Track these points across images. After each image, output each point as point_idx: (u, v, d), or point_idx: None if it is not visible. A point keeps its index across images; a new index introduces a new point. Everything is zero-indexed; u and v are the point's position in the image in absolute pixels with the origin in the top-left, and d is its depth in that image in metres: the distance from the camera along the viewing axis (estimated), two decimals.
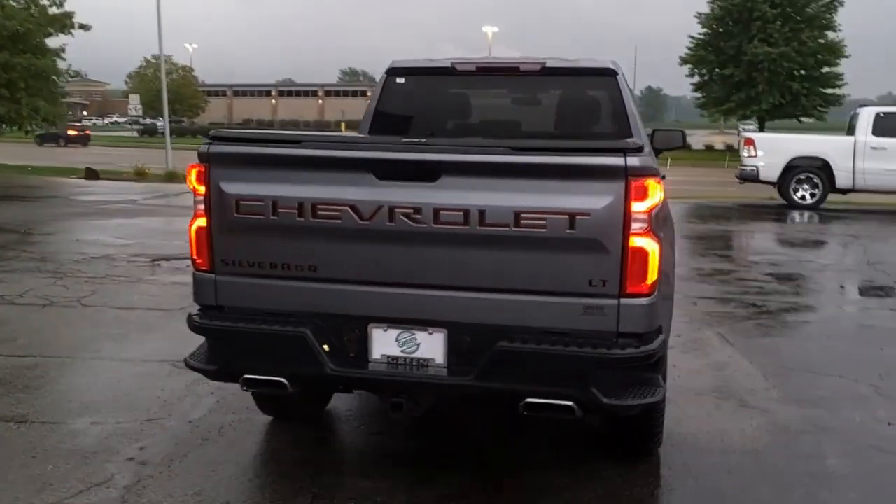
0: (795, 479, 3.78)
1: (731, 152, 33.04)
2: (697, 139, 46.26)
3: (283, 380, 3.30)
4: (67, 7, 21.39)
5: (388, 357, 3.26)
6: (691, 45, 45.72)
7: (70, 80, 24.72)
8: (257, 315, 3.31)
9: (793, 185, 16.12)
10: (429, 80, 5.26)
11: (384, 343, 3.26)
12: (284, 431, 4.31)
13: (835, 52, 43.25)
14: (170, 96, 28.33)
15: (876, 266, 9.72)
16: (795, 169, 16.04)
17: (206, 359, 3.47)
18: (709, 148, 46.10)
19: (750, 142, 16.85)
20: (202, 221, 3.34)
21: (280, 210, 3.20)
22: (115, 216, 13.50)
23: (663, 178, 3.16)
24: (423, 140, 3.50)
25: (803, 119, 46.07)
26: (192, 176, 3.34)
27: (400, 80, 5.22)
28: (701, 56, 44.98)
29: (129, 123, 74.90)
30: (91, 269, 8.51)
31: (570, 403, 3.07)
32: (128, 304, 7.04)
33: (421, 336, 3.23)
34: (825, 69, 43.70)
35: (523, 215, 3.00)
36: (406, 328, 3.23)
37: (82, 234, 11.50)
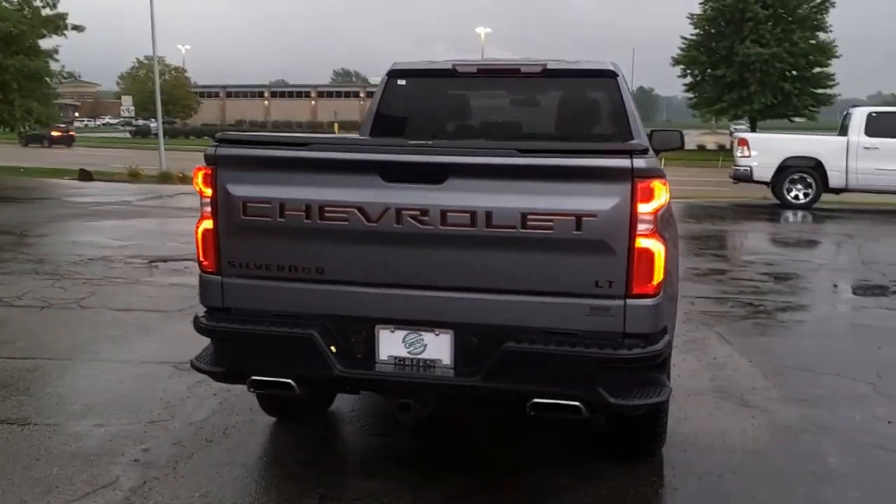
0: (797, 479, 3.80)
1: (724, 152, 33.17)
2: (689, 139, 45.78)
3: (290, 381, 3.31)
4: (60, 8, 21.36)
5: (396, 358, 3.28)
6: (683, 46, 45.86)
7: (63, 81, 24.62)
8: (265, 317, 3.32)
9: (786, 185, 16.21)
10: (430, 82, 5.28)
11: (391, 344, 3.28)
12: (288, 433, 4.32)
13: (826, 52, 43.45)
14: (162, 97, 28.26)
15: (870, 265, 9.79)
16: (789, 169, 16.13)
17: (213, 361, 3.48)
18: (701, 148, 46.23)
19: (744, 142, 16.93)
20: (209, 223, 3.35)
21: (287, 212, 3.21)
22: (110, 217, 13.47)
23: None
24: (430, 142, 3.52)
25: (795, 119, 46.28)
26: (199, 178, 3.35)
27: (401, 81, 5.23)
28: (693, 57, 45.11)
29: (122, 125, 74.74)
30: (88, 271, 8.49)
31: (576, 403, 3.09)
32: (126, 305, 7.04)
33: (428, 337, 3.24)
34: (816, 70, 43.90)
35: (530, 217, 3.02)
36: (413, 329, 3.25)
37: (78, 235, 11.46)
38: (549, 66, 5.05)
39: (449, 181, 3.09)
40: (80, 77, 27.43)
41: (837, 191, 16.25)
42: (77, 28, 21.86)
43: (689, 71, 46.20)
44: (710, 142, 48.90)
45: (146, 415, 4.47)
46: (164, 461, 3.89)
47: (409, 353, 3.27)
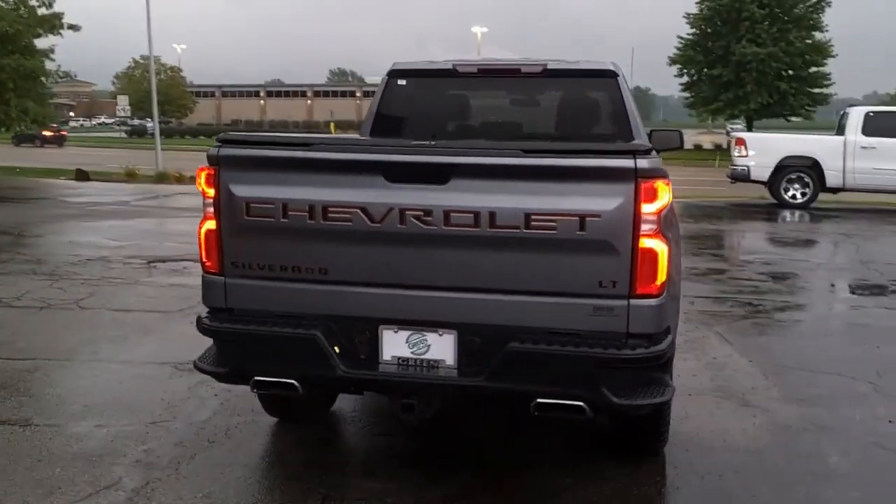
0: (798, 478, 3.81)
1: (721, 152, 33.19)
2: (686, 139, 46.25)
3: (294, 382, 3.31)
4: (55, 8, 21.32)
5: (399, 358, 3.28)
6: (680, 46, 45.89)
7: (60, 80, 24.59)
8: (268, 317, 3.32)
9: (783, 185, 16.22)
10: (430, 82, 5.28)
11: (395, 344, 3.28)
12: (290, 433, 4.32)
13: (822, 52, 43.53)
14: (158, 97, 28.20)
15: (868, 265, 9.81)
16: (786, 168, 16.14)
17: (216, 361, 3.48)
18: (697, 147, 46.26)
19: (741, 142, 16.94)
20: (211, 224, 3.35)
21: (290, 212, 3.21)
22: (107, 218, 13.44)
23: None
24: (434, 143, 3.52)
25: (791, 118, 46.37)
26: (202, 179, 3.35)
27: (401, 81, 5.24)
28: (690, 56, 45.15)
29: (117, 124, 74.56)
30: (87, 271, 8.48)
31: (580, 404, 3.09)
32: (125, 306, 7.03)
33: (431, 337, 3.25)
34: (812, 69, 43.97)
35: (534, 217, 3.02)
36: (416, 330, 3.25)
37: (76, 235, 11.43)
38: (549, 66, 5.05)
39: (452, 181, 3.09)
40: (76, 76, 27.30)
41: (834, 190, 16.27)
42: (73, 27, 21.85)
43: (685, 70, 46.24)
44: (707, 141, 48.90)
45: (147, 415, 4.47)
46: (167, 462, 3.89)
47: (412, 353, 3.27)
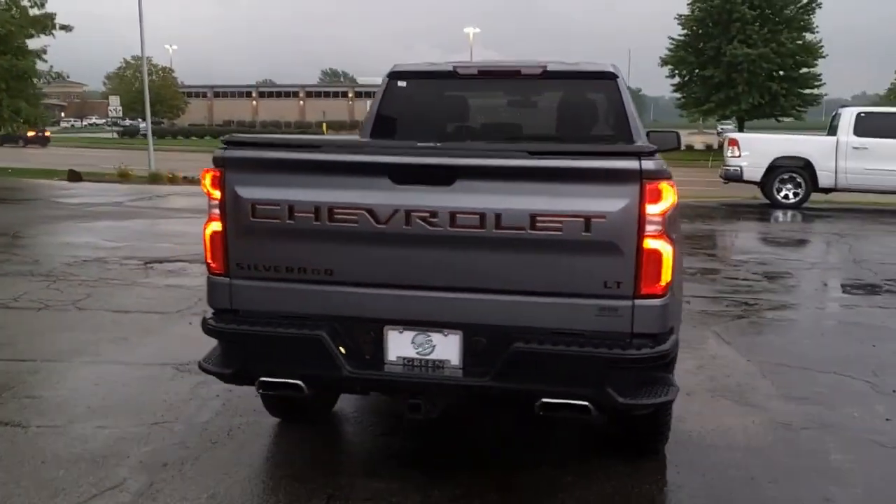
0: (801, 475, 3.85)
1: (713, 152, 33.31)
2: None
3: (299, 382, 3.32)
4: (47, 8, 21.24)
5: (404, 359, 3.30)
6: (671, 47, 46.04)
7: (52, 80, 24.50)
8: (273, 318, 3.33)
9: (776, 185, 16.32)
10: (430, 84, 5.30)
11: (400, 345, 3.30)
12: (293, 433, 4.32)
13: (812, 53, 43.73)
14: (150, 97, 28.07)
15: (861, 264, 9.88)
16: (779, 169, 16.24)
17: (221, 362, 3.49)
18: (689, 148, 46.38)
19: (734, 142, 17.03)
20: (217, 225, 3.36)
21: (296, 214, 3.22)
22: (102, 218, 13.40)
23: None
24: (439, 144, 3.54)
25: (782, 119, 46.56)
26: (207, 180, 3.36)
27: (402, 83, 5.25)
28: (681, 57, 45.29)
29: (108, 125, 74.31)
30: (83, 272, 8.46)
31: (586, 403, 3.12)
32: (124, 307, 7.02)
33: (436, 338, 3.27)
34: (803, 70, 44.18)
35: (539, 218, 3.05)
36: (422, 330, 3.27)
37: (71, 236, 11.40)
38: (549, 68, 5.07)
39: (458, 183, 3.11)
40: (68, 77, 27.17)
41: (827, 190, 16.37)
42: (65, 28, 21.76)
43: (677, 71, 46.38)
44: (698, 142, 49.04)
45: (149, 416, 4.47)
46: (170, 463, 3.89)
47: (417, 353, 3.29)
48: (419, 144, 3.50)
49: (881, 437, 4.30)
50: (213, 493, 3.60)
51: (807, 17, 43.90)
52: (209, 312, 3.53)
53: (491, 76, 5.34)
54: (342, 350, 3.28)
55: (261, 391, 3.56)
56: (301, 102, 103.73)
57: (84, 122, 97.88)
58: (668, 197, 3.06)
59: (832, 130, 16.51)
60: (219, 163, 3.31)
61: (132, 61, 74.36)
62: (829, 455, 4.08)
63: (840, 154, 15.81)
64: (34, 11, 21.03)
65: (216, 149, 3.36)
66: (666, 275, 3.09)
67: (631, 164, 2.99)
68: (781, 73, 43.22)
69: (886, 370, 5.46)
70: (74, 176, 21.71)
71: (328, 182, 3.22)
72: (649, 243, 3.05)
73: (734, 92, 42.96)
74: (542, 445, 4.20)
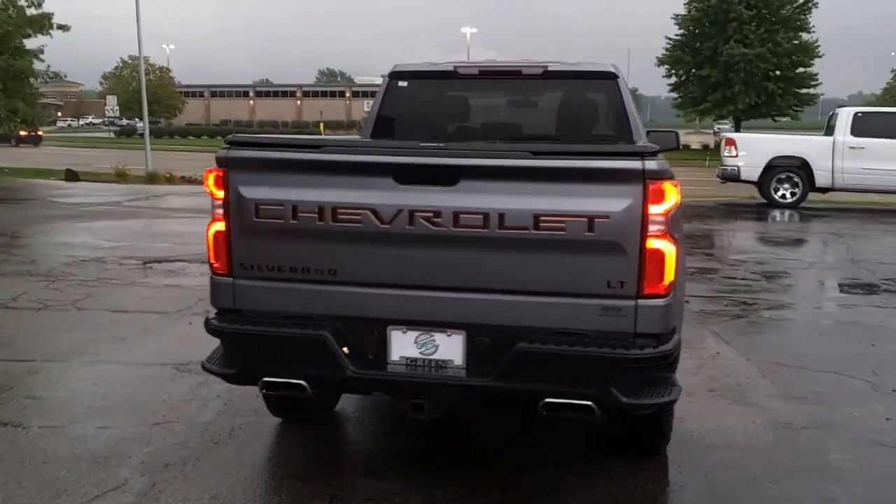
0: (802, 475, 3.86)
1: (710, 152, 33.36)
2: None
3: (303, 382, 3.32)
4: (44, 8, 21.21)
5: (407, 359, 3.30)
6: (668, 47, 46.11)
7: (50, 80, 24.47)
8: (277, 318, 3.33)
9: (773, 185, 16.36)
10: (431, 84, 5.30)
11: (403, 345, 3.30)
12: (295, 433, 4.32)
13: (809, 52, 43.83)
14: (147, 97, 28.01)
15: (859, 264, 9.90)
16: (776, 168, 16.28)
17: (224, 362, 3.49)
18: (685, 148, 46.43)
19: (731, 142, 17.06)
20: (220, 225, 3.36)
21: (300, 214, 3.22)
22: (100, 218, 13.39)
23: None
24: (443, 144, 3.55)
25: (778, 119, 46.66)
26: (210, 180, 3.35)
27: (403, 83, 5.26)
28: (678, 57, 45.36)
29: (105, 124, 74.12)
30: (82, 272, 8.45)
31: (589, 403, 3.12)
32: (123, 307, 7.01)
33: (439, 338, 3.27)
34: (800, 69, 44.27)
35: (542, 218, 3.05)
36: (425, 330, 3.27)
37: (69, 236, 11.38)
38: (549, 68, 5.08)
39: (462, 183, 3.11)
40: (65, 77, 27.11)
41: (824, 190, 16.41)
42: (62, 27, 21.73)
43: (673, 71, 46.45)
44: (695, 141, 49.08)
45: (150, 417, 4.47)
46: (172, 463, 3.89)
47: (420, 353, 3.29)
48: (423, 144, 3.51)
49: (881, 436, 4.31)
50: (216, 494, 3.59)
51: (803, 17, 44.01)
52: (212, 312, 3.52)
53: (492, 76, 5.35)
54: (345, 350, 3.28)
55: (264, 391, 3.56)
56: (298, 102, 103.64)
57: (81, 122, 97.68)
58: (671, 197, 3.06)
59: (829, 130, 16.55)
60: (222, 162, 3.31)
61: (129, 61, 74.17)
62: (829, 455, 4.09)
63: (837, 154, 15.85)
64: (31, 11, 21.00)
65: (219, 149, 3.36)
66: (669, 274, 3.10)
67: (634, 164, 3.00)
68: (778, 72, 43.31)
69: (885, 369, 5.47)
70: (72, 175, 21.68)
71: (332, 182, 3.22)
72: (652, 243, 3.05)
73: (731, 92, 43.04)
74: (545, 445, 4.20)
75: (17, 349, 5.75)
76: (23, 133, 44.96)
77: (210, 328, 3.45)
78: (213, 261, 3.43)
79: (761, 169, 16.27)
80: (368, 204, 3.16)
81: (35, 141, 48.42)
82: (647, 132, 5.37)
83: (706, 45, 43.62)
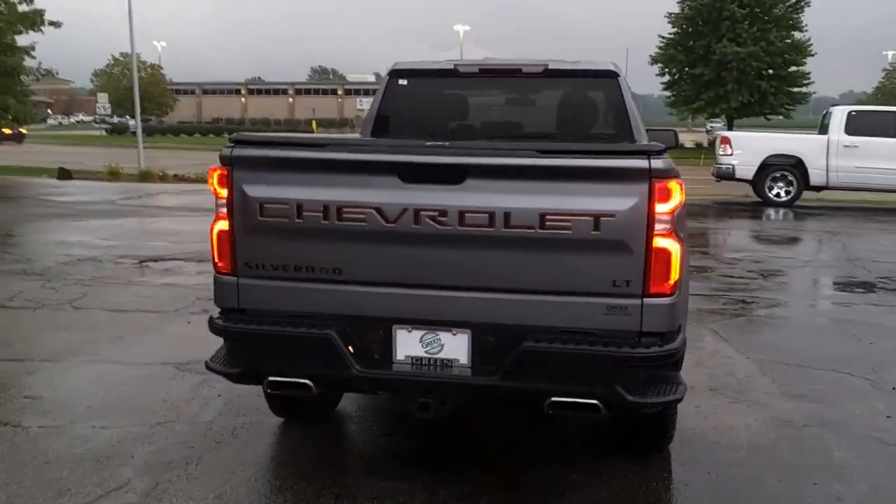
0: (805, 472, 3.86)
1: (705, 150, 33.42)
2: None
3: (308, 382, 3.31)
4: (35, 4, 21.11)
5: (413, 358, 3.29)
6: (661, 45, 46.11)
7: (41, 77, 24.36)
8: (281, 317, 3.32)
9: (768, 183, 16.40)
10: (431, 82, 5.29)
11: (408, 344, 3.29)
12: (297, 432, 4.31)
13: (801, 51, 43.92)
14: (139, 95, 27.86)
15: (855, 262, 9.94)
16: (770, 167, 16.32)
17: (229, 362, 3.47)
18: (679, 146, 46.56)
19: (726, 140, 17.11)
20: (224, 224, 3.34)
21: (305, 213, 3.21)
22: (95, 217, 13.32)
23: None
24: (448, 143, 3.54)
25: (771, 117, 46.76)
26: (214, 179, 3.34)
27: (402, 81, 5.24)
28: (671, 55, 45.36)
29: (96, 122, 73.80)
30: (78, 271, 8.41)
31: (595, 402, 3.12)
32: (120, 306, 6.98)
33: (445, 337, 3.26)
34: (792, 68, 44.36)
35: (548, 217, 3.05)
36: (430, 329, 3.26)
37: (64, 235, 11.32)
38: (550, 67, 5.07)
39: (467, 182, 3.11)
40: (57, 74, 27.02)
41: (818, 188, 16.47)
42: (54, 24, 21.64)
43: (667, 70, 46.47)
44: (688, 140, 49.09)
45: (151, 416, 4.45)
46: (175, 463, 3.87)
47: (426, 352, 3.28)
48: (428, 143, 3.50)
49: (883, 434, 4.32)
50: (220, 493, 3.58)
51: (796, 16, 44.07)
52: (216, 312, 3.50)
53: (492, 74, 5.33)
54: (351, 349, 3.27)
55: (269, 391, 3.55)
56: (290, 100, 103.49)
57: (71, 120, 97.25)
58: (677, 195, 3.07)
59: (823, 129, 16.60)
60: (226, 161, 3.29)
61: (120, 58, 73.95)
62: (832, 453, 4.10)
63: (831, 152, 15.90)
64: (23, 7, 20.92)
65: (223, 147, 3.34)
66: (674, 273, 3.10)
67: (640, 162, 3.00)
68: (771, 71, 43.37)
69: (884, 367, 5.49)
70: (64, 174, 21.56)
71: (337, 181, 3.21)
72: (658, 242, 3.05)
73: (724, 90, 43.08)
74: (550, 444, 4.20)
75: (15, 349, 5.71)
76: (6, 131, 44.18)
77: (214, 328, 3.44)
78: (216, 260, 3.41)
79: (756, 167, 16.32)
80: (373, 203, 3.15)
81: (18, 138, 47.68)
82: (646, 131, 5.36)
83: (699, 44, 43.66)
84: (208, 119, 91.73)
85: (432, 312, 3.24)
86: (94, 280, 8.02)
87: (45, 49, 22.84)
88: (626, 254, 3.05)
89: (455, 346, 3.26)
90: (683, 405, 4.47)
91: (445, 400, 3.38)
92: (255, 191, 3.26)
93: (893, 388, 5.06)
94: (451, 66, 5.16)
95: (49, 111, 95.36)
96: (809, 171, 16.06)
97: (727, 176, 16.72)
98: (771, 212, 15.78)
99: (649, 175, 2.99)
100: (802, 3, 43.85)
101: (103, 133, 62.20)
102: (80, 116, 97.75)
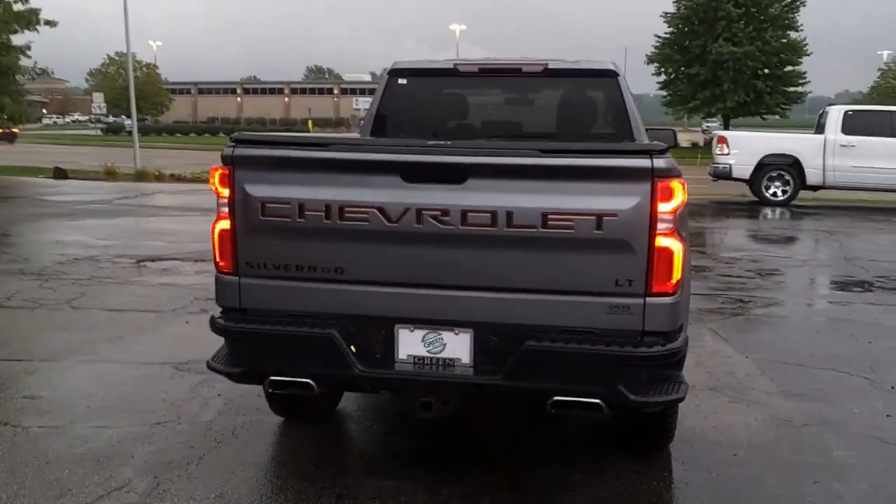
0: (806, 471, 3.87)
1: (701, 149, 33.47)
2: None
3: (310, 381, 3.31)
4: (31, 3, 21.04)
5: (415, 357, 3.29)
6: (657, 45, 46.21)
7: (37, 76, 24.29)
8: (283, 317, 3.32)
9: (764, 183, 16.44)
10: (431, 81, 5.29)
11: (410, 343, 3.29)
12: (297, 432, 4.31)
13: (797, 51, 44.05)
14: (135, 94, 27.79)
15: (853, 261, 9.96)
16: (767, 166, 16.36)
17: (230, 361, 3.47)
18: (677, 146, 46.58)
19: (723, 140, 17.14)
20: (225, 224, 3.34)
21: (307, 212, 3.21)
22: (91, 216, 13.29)
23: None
24: (450, 143, 3.54)
25: (766, 117, 46.87)
26: (216, 179, 3.33)
27: (402, 80, 5.24)
28: (667, 55, 45.47)
29: (91, 121, 73.64)
30: (76, 271, 8.39)
31: (597, 401, 3.12)
32: (118, 305, 6.97)
33: (447, 336, 3.26)
34: (788, 68, 44.48)
35: (550, 217, 3.05)
36: (432, 328, 3.26)
37: (61, 234, 11.29)
38: (550, 66, 5.08)
39: (470, 181, 3.11)
40: (52, 73, 26.98)
41: (815, 188, 16.51)
42: (50, 23, 21.55)
43: (662, 69, 46.56)
44: (684, 139, 49.16)
45: (151, 416, 4.44)
46: (175, 463, 3.87)
47: (428, 352, 3.28)
48: (431, 143, 3.50)
49: (882, 433, 4.33)
50: (221, 493, 3.58)
51: (791, 16, 44.22)
52: (216, 311, 3.50)
53: (492, 74, 5.33)
54: (353, 349, 3.27)
55: (270, 390, 3.54)
56: (286, 99, 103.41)
57: (66, 119, 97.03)
58: (679, 195, 3.07)
59: (820, 128, 16.64)
60: (227, 161, 3.29)
61: (116, 58, 73.77)
62: (831, 452, 4.11)
63: (828, 152, 15.94)
64: (18, 6, 20.85)
65: (225, 146, 3.34)
66: (677, 272, 3.11)
67: (643, 162, 3.00)
68: (766, 70, 43.50)
69: (883, 366, 5.50)
70: (60, 173, 21.50)
71: (339, 180, 3.21)
72: (661, 241, 3.05)
73: (720, 90, 43.21)
74: (552, 443, 4.20)
75: (13, 349, 5.70)
76: None
77: (215, 327, 3.43)
78: (218, 259, 3.40)
79: (753, 167, 16.35)
80: (376, 202, 3.15)
81: (10, 138, 47.04)
82: (645, 130, 5.37)
83: (695, 44, 43.76)
84: (204, 119, 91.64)
85: (434, 312, 3.24)
86: (91, 280, 8.00)
87: (40, 48, 22.77)
88: (628, 253, 3.05)
89: (457, 346, 3.26)
90: (683, 404, 4.47)
91: (447, 399, 3.38)
92: (257, 190, 3.26)
93: (892, 387, 5.08)
94: (451, 66, 5.17)
95: (44, 111, 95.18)
96: (806, 170, 16.10)
97: (724, 175, 16.75)
98: (768, 211, 15.81)
99: (652, 174, 2.99)
100: (798, 3, 44.00)
101: (99, 133, 62.09)
102: (76, 116, 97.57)
